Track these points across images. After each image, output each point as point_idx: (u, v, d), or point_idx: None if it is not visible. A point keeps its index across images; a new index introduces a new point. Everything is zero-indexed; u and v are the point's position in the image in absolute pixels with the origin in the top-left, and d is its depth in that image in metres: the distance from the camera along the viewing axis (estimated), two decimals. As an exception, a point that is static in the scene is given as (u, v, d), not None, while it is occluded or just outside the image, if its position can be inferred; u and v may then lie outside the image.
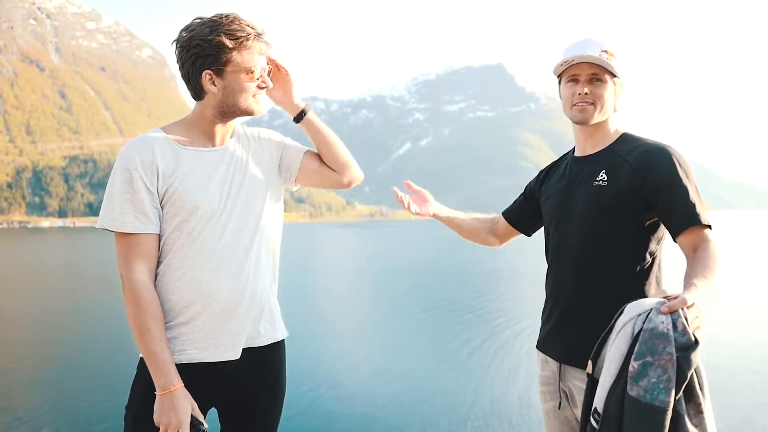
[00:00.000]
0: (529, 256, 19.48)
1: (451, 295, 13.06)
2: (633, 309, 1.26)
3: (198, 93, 1.47)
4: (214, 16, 1.42)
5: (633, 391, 1.20)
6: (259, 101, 1.50)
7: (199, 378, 1.46)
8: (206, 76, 1.42)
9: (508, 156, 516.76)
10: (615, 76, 1.57)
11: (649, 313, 1.22)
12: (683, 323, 1.18)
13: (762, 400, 5.06)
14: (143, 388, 1.42)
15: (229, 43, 1.39)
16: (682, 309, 1.19)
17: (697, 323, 1.19)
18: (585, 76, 1.57)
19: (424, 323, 9.73)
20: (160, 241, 1.46)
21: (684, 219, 1.44)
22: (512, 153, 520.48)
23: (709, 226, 1.45)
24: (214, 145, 1.52)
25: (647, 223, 1.53)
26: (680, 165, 1.48)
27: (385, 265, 23.34)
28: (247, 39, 1.41)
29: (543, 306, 1.74)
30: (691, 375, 1.19)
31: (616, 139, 1.63)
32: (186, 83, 1.46)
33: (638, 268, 1.52)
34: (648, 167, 1.49)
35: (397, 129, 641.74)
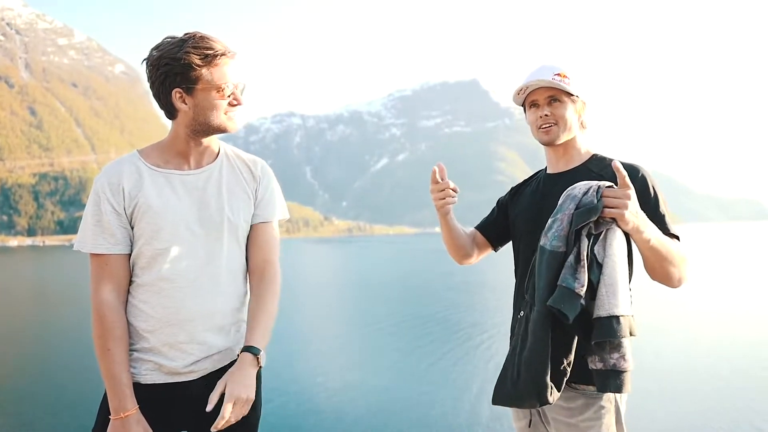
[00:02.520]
0: (497, 268, 19.70)
1: (423, 309, 13.13)
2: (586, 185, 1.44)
3: (170, 112, 1.47)
4: (184, 35, 1.42)
5: (541, 240, 1.46)
6: (232, 118, 1.49)
7: (165, 400, 1.45)
8: (176, 94, 1.42)
9: (484, 171, 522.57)
10: (572, 95, 1.66)
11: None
12: (594, 192, 1.37)
13: (732, 405, 5.32)
14: (105, 412, 1.41)
15: (197, 61, 1.39)
16: (612, 188, 1.38)
17: (617, 203, 1.34)
18: (543, 100, 1.66)
19: (397, 336, 9.77)
20: (130, 261, 1.46)
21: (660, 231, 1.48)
22: (488, 168, 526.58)
23: (677, 237, 1.53)
24: (189, 167, 1.51)
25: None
26: (651, 182, 1.56)
27: (359, 279, 23.33)
28: (215, 56, 1.41)
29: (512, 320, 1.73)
30: (581, 238, 1.36)
31: (589, 158, 1.70)
32: (158, 102, 1.46)
33: (631, 253, 1.53)
34: None
35: (374, 144, 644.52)
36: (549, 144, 1.69)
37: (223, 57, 1.43)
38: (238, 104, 1.48)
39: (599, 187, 1.37)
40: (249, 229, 1.60)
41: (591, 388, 1.49)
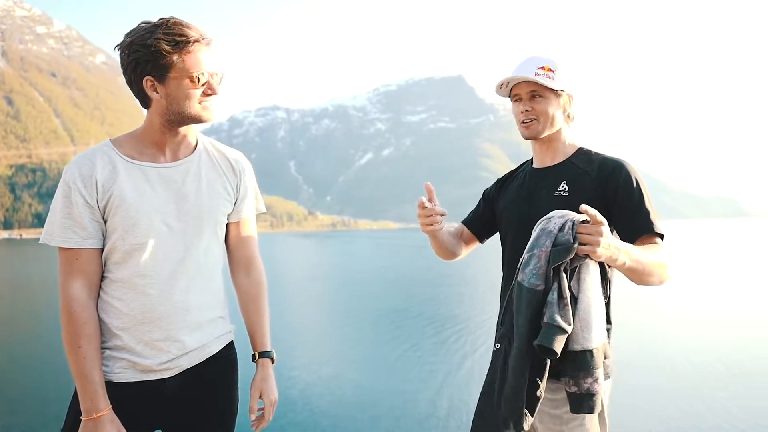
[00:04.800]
0: (475, 262, 19.90)
1: (401, 303, 13.24)
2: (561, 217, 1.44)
3: (144, 100, 1.42)
4: (158, 20, 1.37)
5: (518, 276, 1.45)
6: (208, 107, 1.43)
7: (138, 399, 1.41)
8: (147, 82, 1.38)
9: (469, 166, 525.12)
10: (555, 90, 1.62)
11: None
12: (569, 227, 1.37)
13: (709, 398, 5.36)
14: (76, 412, 1.37)
15: (168, 48, 1.34)
16: (584, 222, 1.36)
17: (590, 240, 1.33)
18: (525, 94, 1.64)
19: (373, 330, 9.86)
20: (102, 256, 1.42)
21: (638, 227, 1.52)
22: (472, 163, 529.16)
23: (662, 236, 1.53)
24: (165, 159, 1.46)
25: None
26: (636, 177, 1.56)
27: (340, 273, 23.38)
28: (188, 43, 1.35)
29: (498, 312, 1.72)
30: (560, 275, 1.37)
31: (574, 152, 1.68)
32: (131, 90, 1.41)
33: (605, 278, 1.52)
34: (607, 177, 1.57)
35: (359, 139, 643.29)
36: (531, 138, 1.68)
37: (196, 44, 1.37)
38: (213, 93, 1.43)
39: (574, 223, 1.38)
40: (227, 223, 1.58)
41: None
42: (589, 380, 1.38)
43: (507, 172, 1.93)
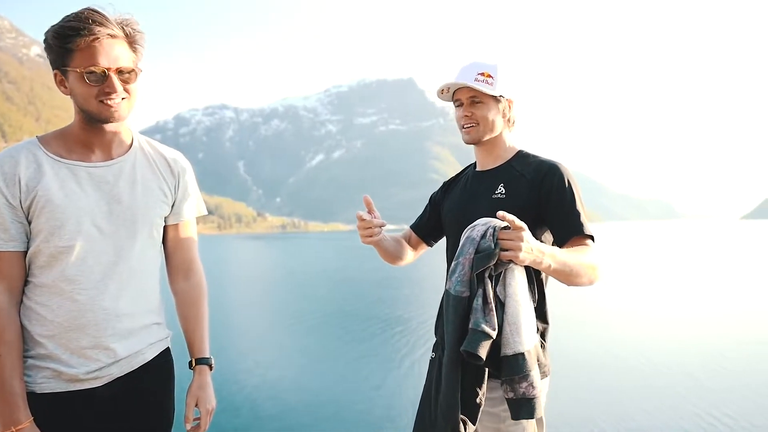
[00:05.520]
0: (429, 263, 20.20)
1: (346, 305, 13.31)
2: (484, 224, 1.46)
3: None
4: (77, 11, 1.29)
5: (446, 284, 1.49)
6: (113, 106, 1.32)
7: (63, 411, 1.33)
8: (56, 77, 1.32)
9: (419, 169, 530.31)
10: (495, 96, 1.65)
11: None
12: (491, 234, 1.41)
13: (644, 395, 5.58)
14: None
15: (62, 41, 1.26)
16: (505, 228, 1.40)
17: (511, 245, 1.35)
18: (466, 99, 1.67)
19: (318, 332, 9.89)
20: (26, 259, 1.34)
21: (570, 229, 1.56)
22: (422, 166, 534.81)
23: (592, 237, 1.57)
24: (96, 158, 1.39)
25: (540, 238, 1.60)
26: (569, 180, 1.60)
27: (287, 276, 23.18)
28: (82, 36, 1.24)
29: None
30: (485, 281, 1.39)
31: (514, 156, 1.72)
32: None
33: (532, 281, 1.55)
34: (541, 180, 1.60)
35: (310, 140, 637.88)
36: (472, 143, 1.71)
37: (92, 37, 1.25)
38: (112, 92, 1.30)
39: (495, 229, 1.40)
40: (164, 225, 1.51)
41: None
42: (524, 384, 1.39)
43: (453, 175, 1.96)
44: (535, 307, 1.53)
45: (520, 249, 1.34)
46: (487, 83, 1.63)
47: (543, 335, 1.60)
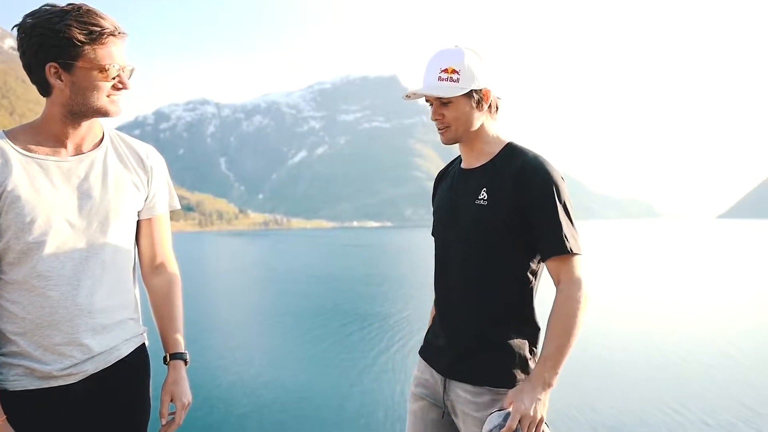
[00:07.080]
0: (408, 261, 20.09)
1: (326, 301, 13.14)
2: (491, 420, 1.42)
3: (44, 88, 1.33)
4: (67, 6, 1.29)
5: None
6: (116, 102, 1.36)
7: (37, 408, 1.32)
8: (51, 69, 1.29)
9: (402, 166, 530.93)
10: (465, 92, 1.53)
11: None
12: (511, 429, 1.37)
13: (634, 389, 5.58)
14: None
15: (80, 37, 1.26)
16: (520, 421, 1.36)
17: (527, 422, 1.35)
18: (434, 101, 1.57)
19: (296, 328, 9.71)
20: None
21: (551, 246, 1.46)
22: (405, 163, 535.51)
23: (572, 251, 1.45)
24: (67, 152, 1.37)
25: (526, 241, 1.52)
26: (553, 184, 1.48)
27: (268, 272, 22.90)
28: (102, 35, 1.29)
29: (433, 316, 1.73)
30: None
31: (500, 151, 1.60)
32: (29, 75, 1.32)
33: (520, 287, 1.53)
34: (523, 185, 1.49)
35: (292, 136, 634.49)
36: (449, 144, 1.61)
37: (111, 36, 1.30)
38: (124, 88, 1.36)
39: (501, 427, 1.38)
40: (137, 220, 1.51)
41: (501, 390, 1.51)
42: None
43: (442, 168, 1.87)
44: (523, 312, 1.52)
45: (535, 421, 1.37)
46: (452, 80, 1.51)
47: (533, 341, 1.55)
